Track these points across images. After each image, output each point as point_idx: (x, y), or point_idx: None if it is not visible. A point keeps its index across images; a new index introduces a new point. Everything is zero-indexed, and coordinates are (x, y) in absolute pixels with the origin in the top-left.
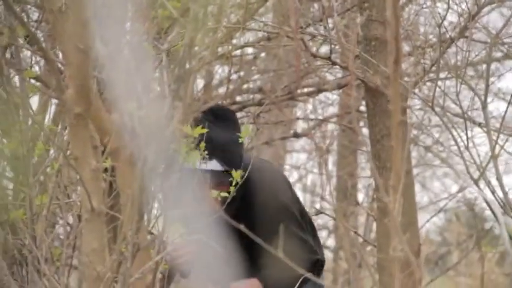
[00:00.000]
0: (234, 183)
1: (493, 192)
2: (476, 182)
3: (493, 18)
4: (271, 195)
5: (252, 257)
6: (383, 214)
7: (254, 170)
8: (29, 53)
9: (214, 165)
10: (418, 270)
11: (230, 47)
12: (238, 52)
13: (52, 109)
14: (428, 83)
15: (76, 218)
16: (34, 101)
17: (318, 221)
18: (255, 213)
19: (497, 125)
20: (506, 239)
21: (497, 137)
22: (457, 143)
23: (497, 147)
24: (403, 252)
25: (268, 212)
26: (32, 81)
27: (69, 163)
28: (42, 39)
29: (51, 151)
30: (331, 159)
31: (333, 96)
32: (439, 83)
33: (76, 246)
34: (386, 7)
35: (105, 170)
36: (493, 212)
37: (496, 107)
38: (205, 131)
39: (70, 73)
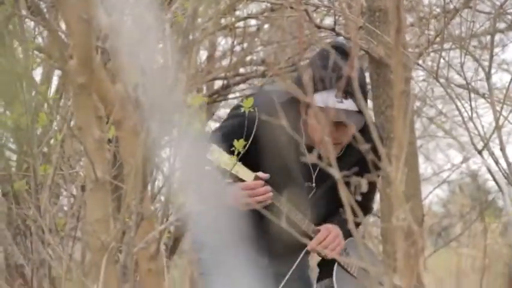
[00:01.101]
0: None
1: (497, 162)
2: (480, 153)
3: None
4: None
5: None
6: (386, 184)
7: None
8: (32, 24)
9: (350, 104)
10: (420, 239)
11: (233, 19)
12: (241, 23)
13: (55, 80)
14: (432, 54)
15: (80, 188)
16: (38, 73)
17: None
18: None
19: (501, 96)
20: (510, 210)
21: (501, 107)
22: (461, 114)
23: (501, 118)
24: (406, 221)
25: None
26: (35, 52)
27: (73, 133)
28: (45, 9)
29: (55, 122)
30: None
31: None
32: (443, 54)
33: (80, 217)
34: None
35: (109, 140)
36: (496, 182)
37: (500, 78)
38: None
39: (73, 43)
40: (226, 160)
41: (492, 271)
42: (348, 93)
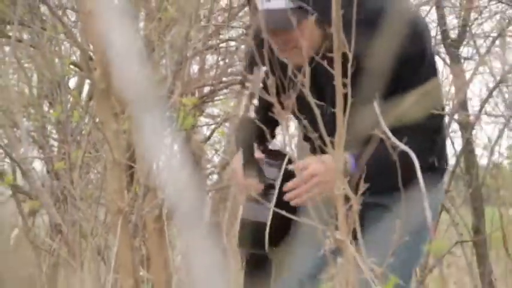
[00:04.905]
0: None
1: None
2: None
3: None
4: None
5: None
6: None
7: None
8: (68, 45)
9: (278, 1)
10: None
11: (218, 40)
12: (224, 44)
13: (86, 86)
14: None
15: (103, 167)
16: (73, 81)
17: None
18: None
19: None
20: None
21: None
22: None
23: None
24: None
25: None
26: (71, 65)
27: (97, 126)
28: (77, 34)
29: (85, 118)
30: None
31: None
32: None
33: (103, 188)
34: None
35: (124, 131)
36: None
37: None
38: None
39: (97, 59)
40: None
41: None
42: None
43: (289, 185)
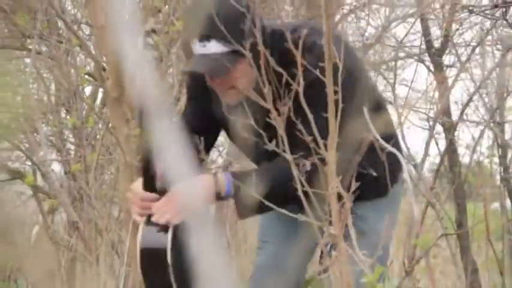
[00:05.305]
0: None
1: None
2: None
3: (399, 29)
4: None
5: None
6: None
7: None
8: (82, 57)
9: (213, 46)
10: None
11: None
12: None
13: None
14: None
15: (116, 168)
16: (87, 89)
17: None
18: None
19: (402, 103)
20: (411, 189)
21: (403, 110)
22: None
23: (402, 118)
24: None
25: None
26: (86, 75)
27: (110, 131)
28: (91, 47)
29: (99, 124)
30: None
31: None
32: None
33: (116, 188)
34: None
35: (135, 136)
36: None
37: (402, 90)
38: None
39: (109, 69)
40: None
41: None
42: (211, 33)
43: (156, 205)
